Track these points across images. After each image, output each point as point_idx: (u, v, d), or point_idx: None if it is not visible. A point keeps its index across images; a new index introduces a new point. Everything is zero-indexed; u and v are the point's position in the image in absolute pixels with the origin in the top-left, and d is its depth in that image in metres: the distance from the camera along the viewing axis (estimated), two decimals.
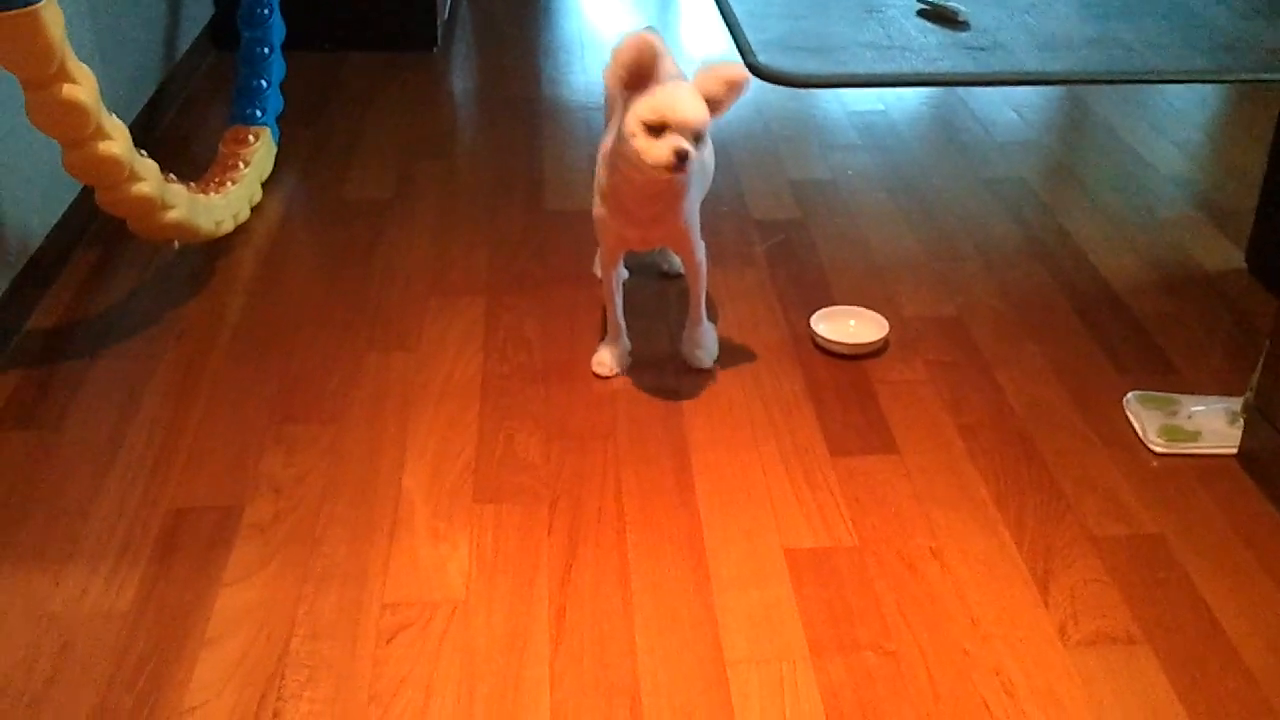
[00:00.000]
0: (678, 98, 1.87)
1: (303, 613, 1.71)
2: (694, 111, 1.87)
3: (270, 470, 1.99)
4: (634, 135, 1.88)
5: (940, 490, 1.98)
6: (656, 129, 1.86)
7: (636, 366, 2.28)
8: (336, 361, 2.28)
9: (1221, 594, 1.79)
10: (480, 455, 2.04)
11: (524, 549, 1.85)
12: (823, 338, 2.35)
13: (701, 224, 2.18)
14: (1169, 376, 2.30)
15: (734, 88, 1.91)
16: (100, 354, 2.29)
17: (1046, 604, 1.76)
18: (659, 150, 1.86)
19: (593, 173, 2.15)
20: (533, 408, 2.17)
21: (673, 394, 2.21)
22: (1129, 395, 2.21)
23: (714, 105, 1.91)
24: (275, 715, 1.56)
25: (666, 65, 2.02)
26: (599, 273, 2.40)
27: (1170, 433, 2.11)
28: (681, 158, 1.86)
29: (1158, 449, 2.09)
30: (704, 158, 2.04)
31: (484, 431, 2.10)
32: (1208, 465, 2.06)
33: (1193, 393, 2.22)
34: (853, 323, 2.40)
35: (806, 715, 1.58)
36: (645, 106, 1.87)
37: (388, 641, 1.67)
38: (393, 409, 2.15)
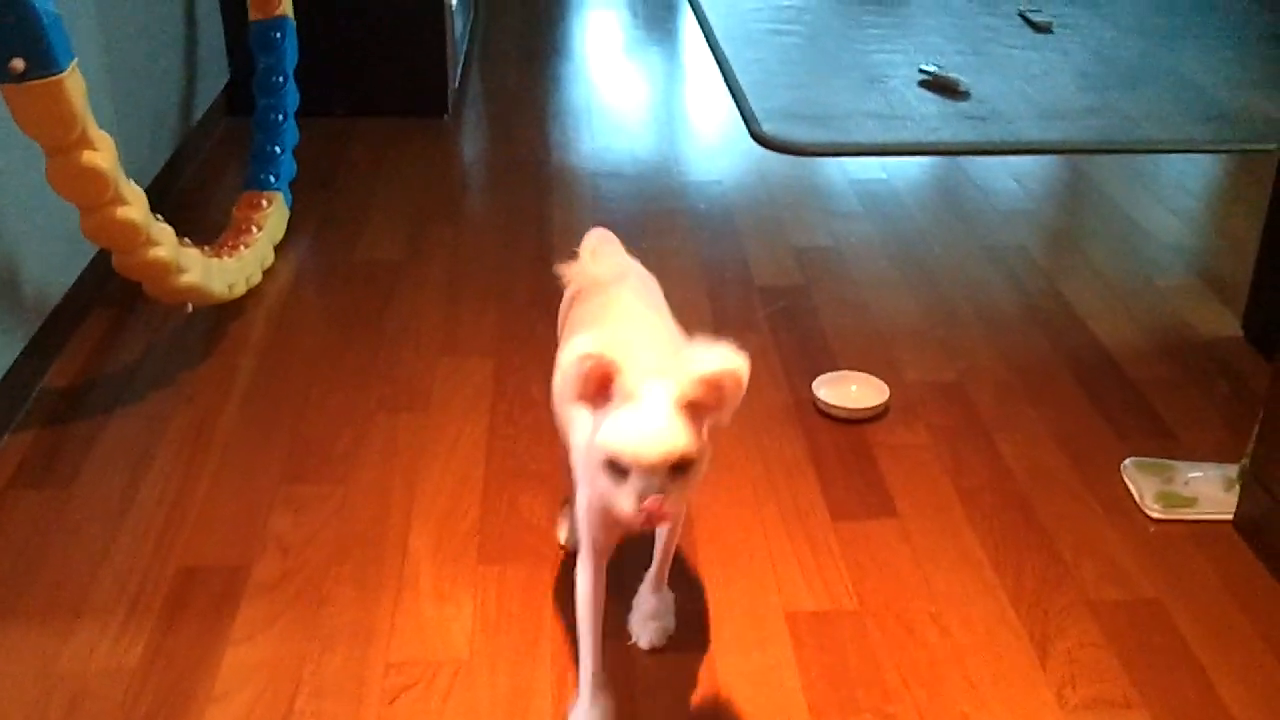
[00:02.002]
0: (640, 431, 1.34)
1: (308, 671, 1.73)
2: (660, 447, 1.33)
3: (279, 530, 2.02)
4: (596, 473, 1.39)
5: (940, 554, 2.01)
6: (617, 469, 1.36)
7: None
8: (346, 422, 2.32)
9: (1217, 659, 1.80)
10: (486, 515, 2.07)
11: (527, 609, 1.87)
12: (824, 402, 2.38)
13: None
14: (1166, 442, 2.33)
15: (722, 390, 1.35)
16: (114, 413, 2.33)
17: (1045, 668, 1.77)
18: (623, 500, 1.35)
19: None
20: (538, 468, 2.20)
21: None
22: (1126, 461, 2.24)
23: (704, 410, 1.36)
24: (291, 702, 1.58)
25: (612, 265, 1.81)
26: (562, 539, 2.01)
27: (1167, 499, 2.13)
28: (652, 509, 1.33)
29: (1155, 514, 2.11)
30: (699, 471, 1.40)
31: (489, 492, 2.13)
32: (1204, 531, 2.08)
33: (1190, 459, 2.24)
34: (854, 387, 2.43)
35: None
36: (603, 438, 1.36)
37: (391, 701, 1.69)
38: (401, 469, 2.18)
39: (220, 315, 2.68)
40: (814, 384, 2.43)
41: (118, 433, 2.28)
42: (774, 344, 2.64)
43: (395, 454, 2.23)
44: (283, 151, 3.14)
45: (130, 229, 2.18)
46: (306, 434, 2.28)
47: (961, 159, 3.74)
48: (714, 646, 1.80)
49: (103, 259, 2.61)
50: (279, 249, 2.97)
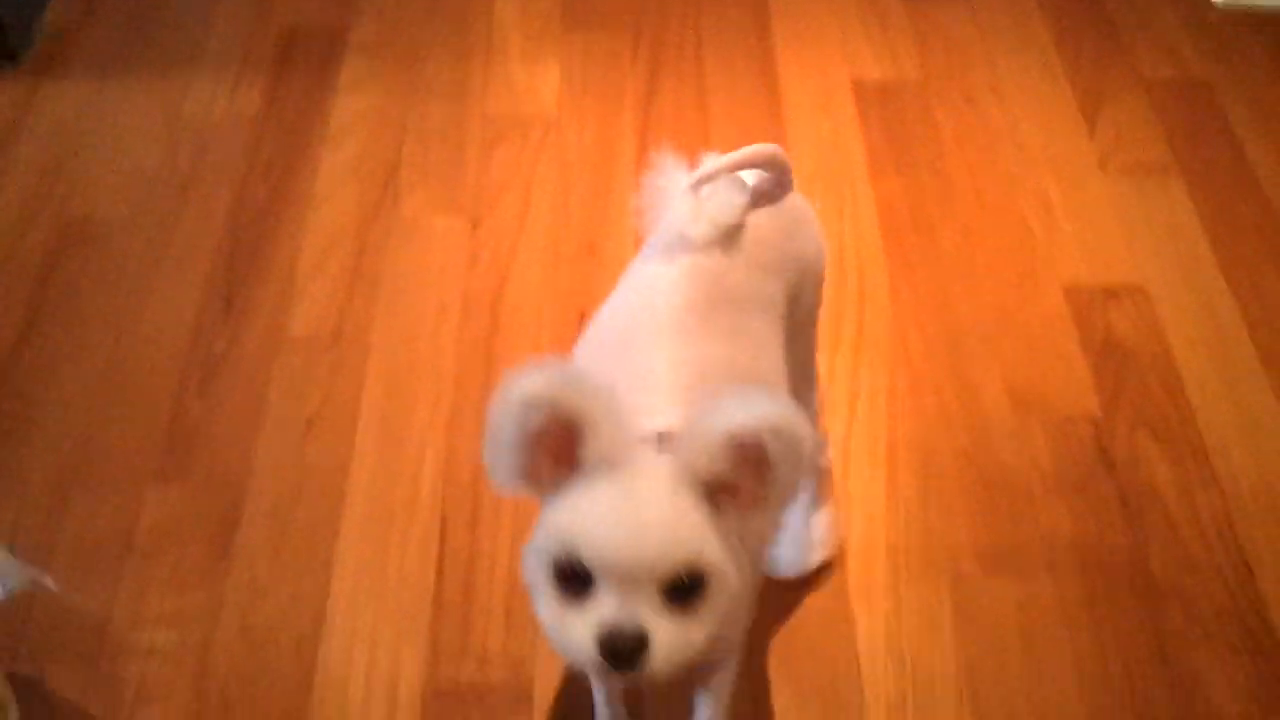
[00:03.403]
0: (616, 515, 0.81)
1: (411, 121, 1.89)
2: (648, 544, 0.80)
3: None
4: (541, 589, 0.83)
5: (1006, 32, 2.08)
6: (573, 579, 0.81)
7: None
8: None
9: (1255, 136, 1.92)
10: None
11: (610, 74, 1.99)
12: None
13: None
14: None
15: (763, 460, 0.80)
16: None
17: (1092, 136, 1.91)
18: (575, 634, 0.81)
19: None
20: None
21: None
22: None
23: (732, 494, 0.83)
24: (394, 206, 1.77)
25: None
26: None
27: None
28: (621, 653, 0.80)
29: (1219, 1, 2.16)
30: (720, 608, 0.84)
31: None
32: (1267, 20, 2.13)
33: None
34: None
35: (864, 225, 1.77)
36: (555, 522, 0.83)
37: (490, 149, 1.86)
38: None
39: None
40: None
41: None
42: None
43: None
44: None
45: None
46: None
47: None
48: (784, 110, 1.93)
49: None
50: None
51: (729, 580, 0.82)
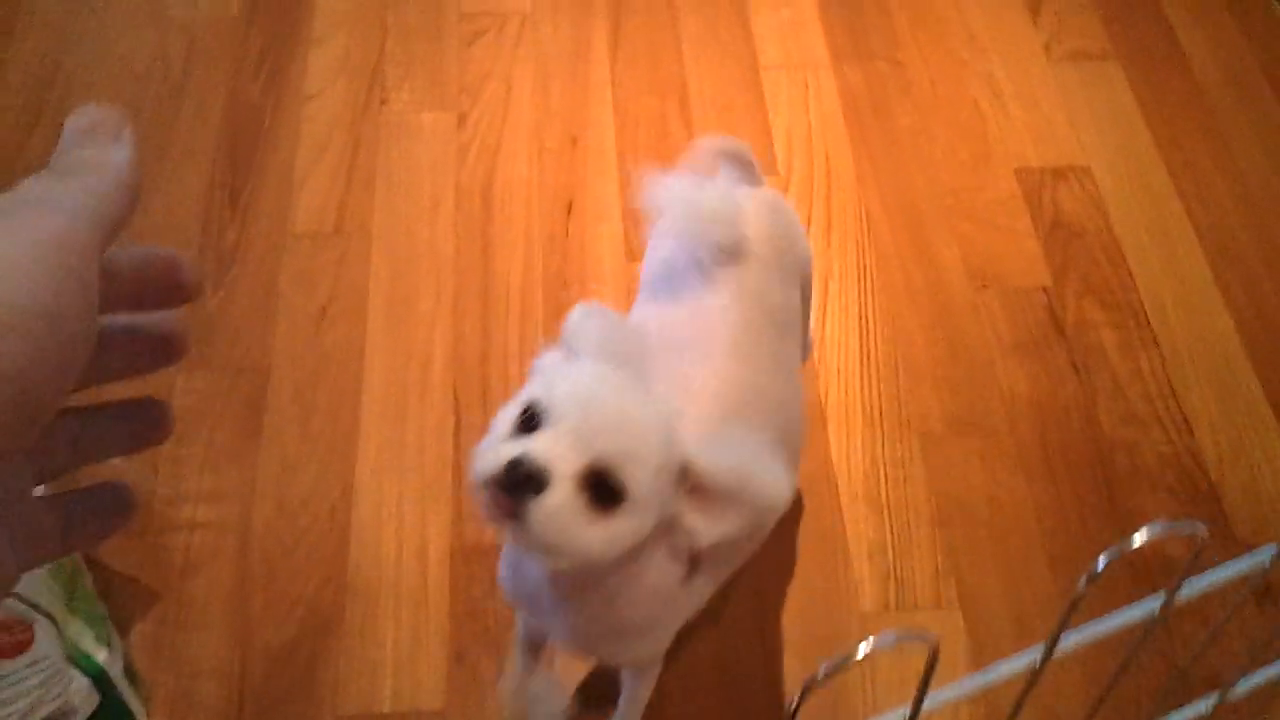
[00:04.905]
0: (593, 388, 0.82)
1: (391, 19, 1.95)
2: (594, 423, 0.79)
3: None
4: (493, 431, 0.83)
5: None
6: (527, 422, 0.81)
7: None
8: None
9: (1188, 26, 2.05)
10: None
11: None
12: None
13: None
14: None
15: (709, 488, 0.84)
16: None
17: (1036, 24, 2.02)
18: (495, 453, 0.79)
19: None
20: None
21: None
22: None
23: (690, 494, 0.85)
24: (383, 103, 1.85)
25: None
26: None
27: None
28: (517, 478, 0.77)
29: None
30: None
31: None
32: None
33: None
34: None
35: (828, 112, 1.88)
36: (539, 372, 0.87)
37: (469, 44, 1.93)
38: None
39: None
40: None
41: None
42: None
43: None
44: None
45: None
46: None
47: None
48: (749, 3, 2.02)
49: None
50: None
51: (638, 518, 0.81)
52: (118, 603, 1.33)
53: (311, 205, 1.72)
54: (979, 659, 1.36)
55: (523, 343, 1.60)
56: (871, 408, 1.55)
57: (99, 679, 1.15)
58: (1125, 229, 1.75)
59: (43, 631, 1.08)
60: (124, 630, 1.31)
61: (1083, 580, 0.51)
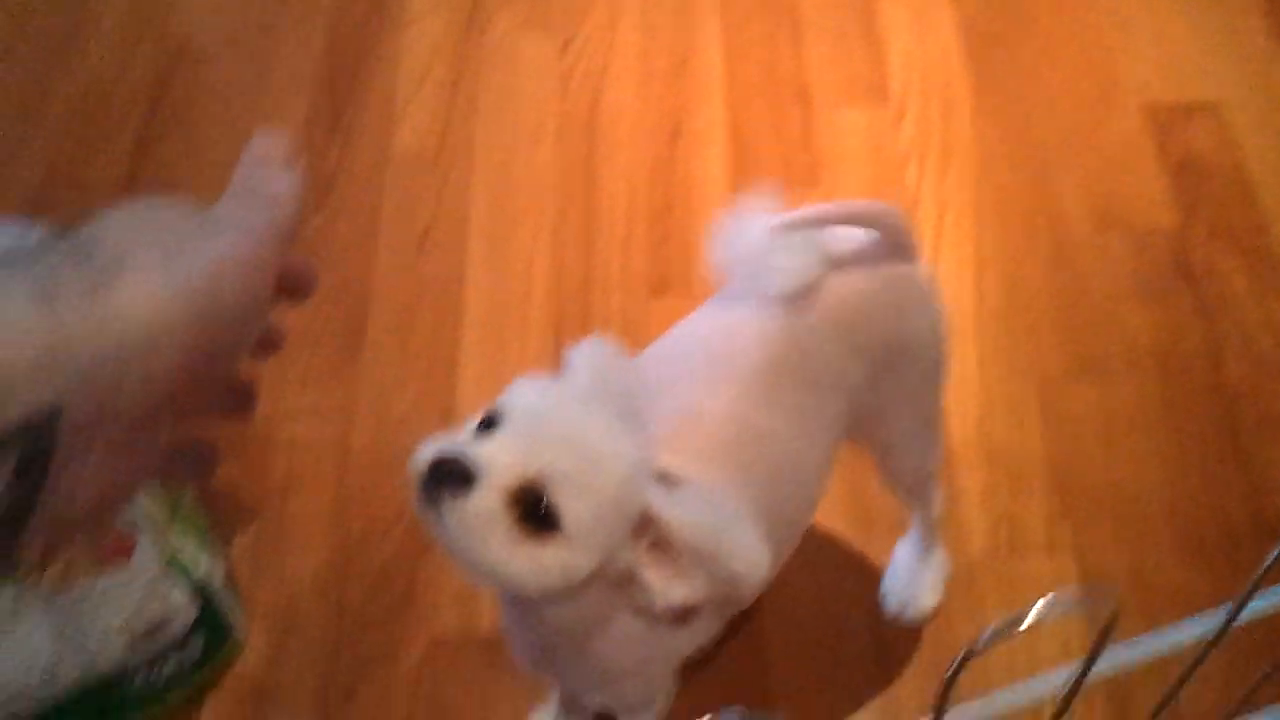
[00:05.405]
0: (547, 399, 0.77)
1: None
2: (539, 435, 0.74)
3: None
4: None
5: None
6: (485, 423, 0.77)
7: None
8: None
9: None
10: None
11: None
12: None
13: None
14: None
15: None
16: None
17: None
18: (439, 444, 0.74)
19: None
20: None
21: None
22: None
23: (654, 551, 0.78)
24: (485, 27, 1.81)
25: None
26: None
27: None
28: (441, 474, 0.72)
29: None
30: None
31: None
32: None
33: None
34: None
35: (945, 41, 1.80)
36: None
37: None
38: None
39: None
40: None
41: None
42: None
43: None
44: None
45: None
46: None
47: None
48: None
49: None
50: None
51: (572, 554, 0.74)
52: (218, 518, 1.33)
53: (413, 130, 1.70)
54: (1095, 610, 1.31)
55: (625, 272, 1.56)
56: (985, 353, 1.50)
57: (199, 589, 1.15)
58: (1259, 169, 1.66)
59: (145, 540, 1.07)
60: (224, 545, 1.31)
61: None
